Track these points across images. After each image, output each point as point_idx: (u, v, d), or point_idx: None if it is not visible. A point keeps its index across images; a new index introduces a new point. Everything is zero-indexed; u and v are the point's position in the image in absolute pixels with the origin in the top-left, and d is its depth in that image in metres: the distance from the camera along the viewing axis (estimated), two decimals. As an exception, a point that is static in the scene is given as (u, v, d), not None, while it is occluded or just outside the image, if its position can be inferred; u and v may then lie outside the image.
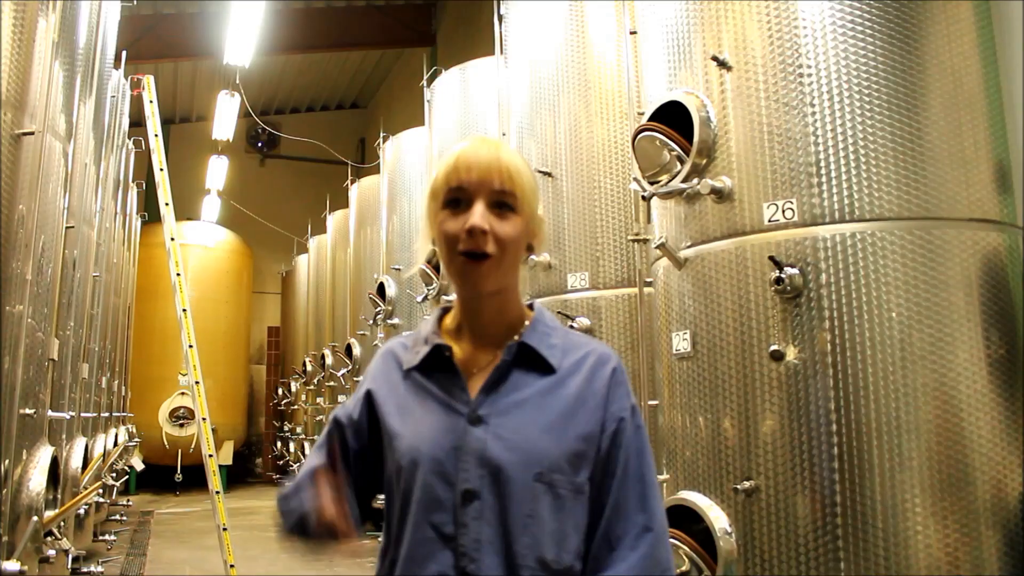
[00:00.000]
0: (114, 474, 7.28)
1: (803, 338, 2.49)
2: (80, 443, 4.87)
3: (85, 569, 4.75)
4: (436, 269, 5.80)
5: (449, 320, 1.46)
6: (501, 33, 5.03)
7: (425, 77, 6.99)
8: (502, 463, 1.28)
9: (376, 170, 8.46)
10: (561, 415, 1.33)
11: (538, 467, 1.29)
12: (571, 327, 3.86)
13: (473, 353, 1.39)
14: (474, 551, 1.27)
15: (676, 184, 2.82)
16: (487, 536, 1.27)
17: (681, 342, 2.81)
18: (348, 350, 8.91)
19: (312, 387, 11.38)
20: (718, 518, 2.59)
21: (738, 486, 2.54)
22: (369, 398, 1.43)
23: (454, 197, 1.33)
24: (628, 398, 1.40)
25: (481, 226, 1.28)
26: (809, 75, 2.59)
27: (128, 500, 8.80)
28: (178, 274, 6.22)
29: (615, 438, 1.34)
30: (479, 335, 1.39)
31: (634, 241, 3.67)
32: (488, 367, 1.37)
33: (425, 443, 1.32)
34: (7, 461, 2.64)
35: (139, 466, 10.98)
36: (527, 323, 1.42)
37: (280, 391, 14.63)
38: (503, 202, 1.32)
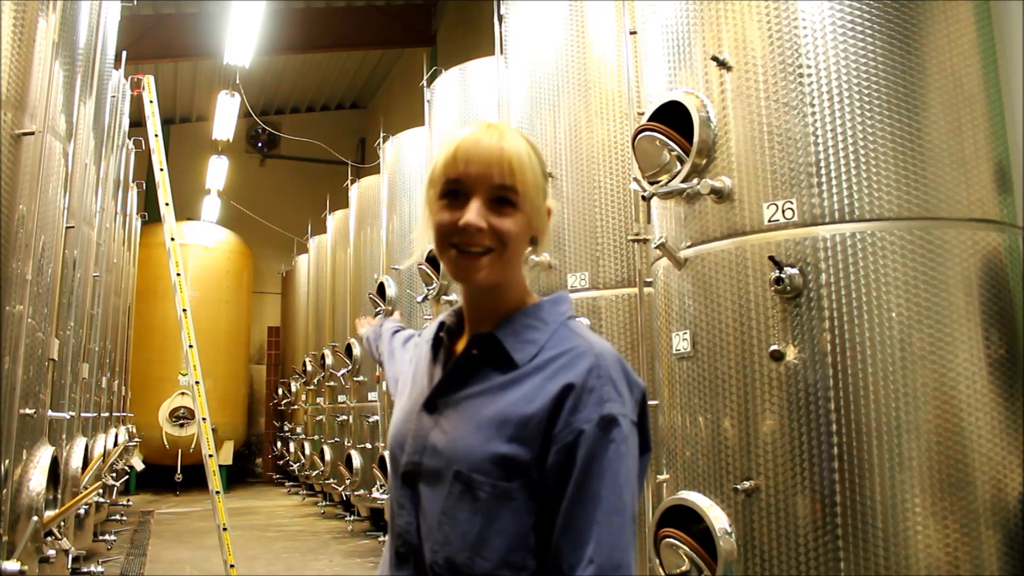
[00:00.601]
0: (114, 474, 7.28)
1: (803, 338, 2.49)
2: (80, 443, 4.87)
3: (85, 569, 4.76)
4: (436, 268, 5.79)
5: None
6: (501, 33, 5.03)
7: (425, 77, 6.99)
8: (432, 455, 1.26)
9: (376, 170, 8.46)
10: (499, 414, 1.22)
11: (457, 464, 1.22)
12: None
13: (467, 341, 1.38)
14: (406, 534, 1.28)
15: (676, 184, 2.82)
16: (413, 524, 1.27)
17: (681, 342, 2.81)
18: (348, 350, 8.91)
19: (312, 387, 11.38)
20: (718, 518, 2.59)
21: (738, 486, 2.54)
22: (405, 351, 1.77)
23: (451, 189, 1.26)
24: (600, 407, 1.19)
25: (476, 224, 1.22)
26: (809, 75, 2.59)
27: (128, 500, 8.80)
28: (178, 274, 6.22)
29: (569, 451, 1.16)
30: (475, 324, 1.35)
31: (634, 241, 3.67)
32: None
33: (398, 417, 1.39)
34: (7, 461, 2.64)
35: (139, 466, 10.98)
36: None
37: (280, 391, 14.63)
38: (504, 197, 1.25)
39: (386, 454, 1.55)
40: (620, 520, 1.16)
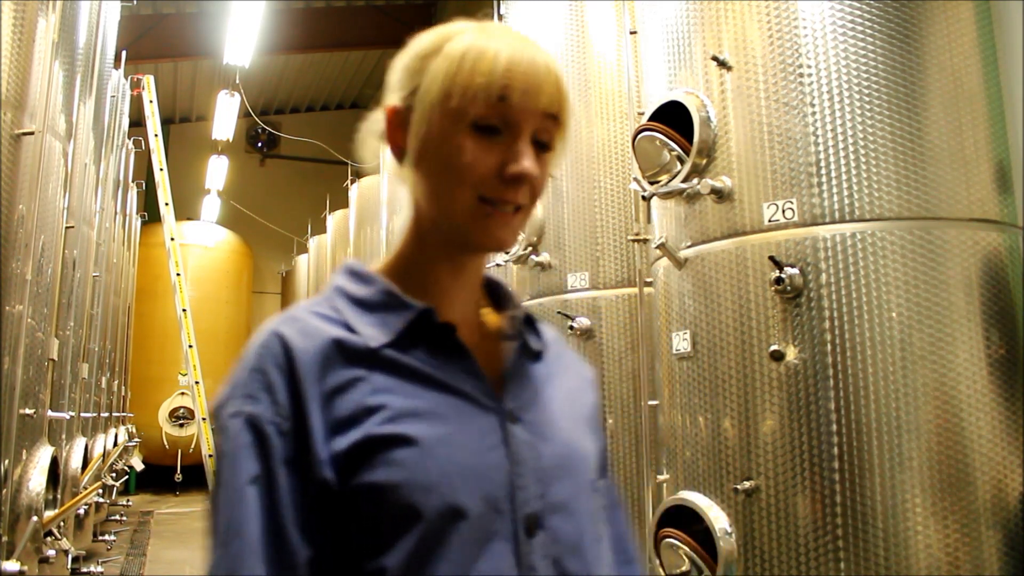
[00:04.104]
0: (114, 474, 7.28)
1: (803, 338, 2.49)
2: (80, 443, 4.87)
3: (85, 569, 4.76)
4: None
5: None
6: (501, 33, 5.03)
7: (425, 77, 6.98)
8: (559, 470, 0.96)
9: (376, 170, 8.46)
10: (576, 404, 1.05)
11: (589, 471, 1.01)
12: (571, 327, 3.86)
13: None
14: None
15: (676, 184, 2.82)
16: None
17: (681, 342, 2.81)
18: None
19: (312, 387, 11.36)
20: (718, 518, 2.59)
21: (738, 486, 2.54)
22: (282, 433, 0.86)
23: (492, 120, 0.91)
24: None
25: (534, 174, 0.92)
26: (809, 75, 2.59)
27: (128, 500, 8.81)
28: (178, 274, 6.23)
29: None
30: (457, 304, 1.00)
31: (634, 241, 3.67)
32: (478, 343, 1.00)
33: (468, 459, 0.89)
34: (7, 461, 2.64)
35: (139, 466, 10.98)
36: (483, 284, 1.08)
37: (280, 391, 14.60)
38: (547, 136, 0.95)
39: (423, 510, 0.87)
40: None
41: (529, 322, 1.06)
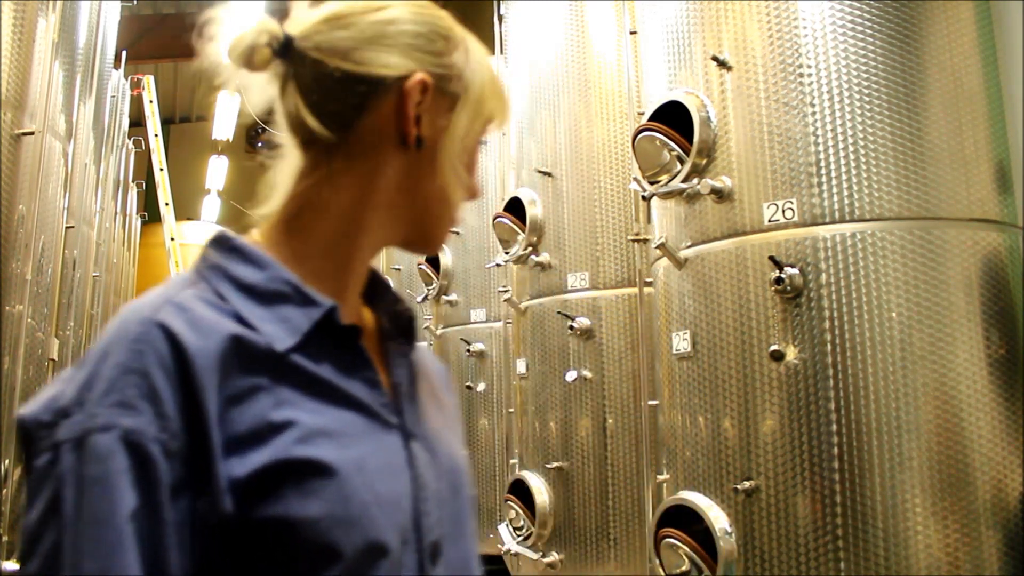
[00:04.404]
0: (114, 474, 7.28)
1: (803, 338, 2.49)
2: (80, 443, 4.87)
3: None
4: (436, 268, 5.77)
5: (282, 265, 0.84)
6: (501, 33, 5.03)
7: (425, 77, 6.97)
8: (446, 491, 0.86)
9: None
10: (449, 410, 0.96)
11: (468, 486, 0.91)
12: (571, 327, 3.86)
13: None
14: None
15: (676, 184, 2.81)
16: None
17: (681, 342, 2.81)
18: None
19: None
20: (718, 518, 2.59)
21: (738, 486, 2.54)
22: (168, 453, 0.69)
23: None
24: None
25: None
26: (809, 75, 2.59)
27: (128, 500, 8.79)
28: (178, 274, 6.24)
29: None
30: (351, 294, 0.89)
31: (634, 241, 3.67)
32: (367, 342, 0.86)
33: (382, 487, 0.78)
34: (7, 461, 2.64)
35: (139, 466, 10.97)
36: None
37: (280, 391, 14.61)
38: None
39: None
40: None
41: (411, 319, 0.93)
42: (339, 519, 0.72)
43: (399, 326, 0.92)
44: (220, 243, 0.85)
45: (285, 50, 0.85)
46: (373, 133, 0.84)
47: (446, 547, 0.82)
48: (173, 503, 0.68)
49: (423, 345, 1.04)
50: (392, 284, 1.04)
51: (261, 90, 0.87)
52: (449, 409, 0.96)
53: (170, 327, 0.72)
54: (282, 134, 0.87)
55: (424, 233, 0.89)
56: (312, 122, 0.83)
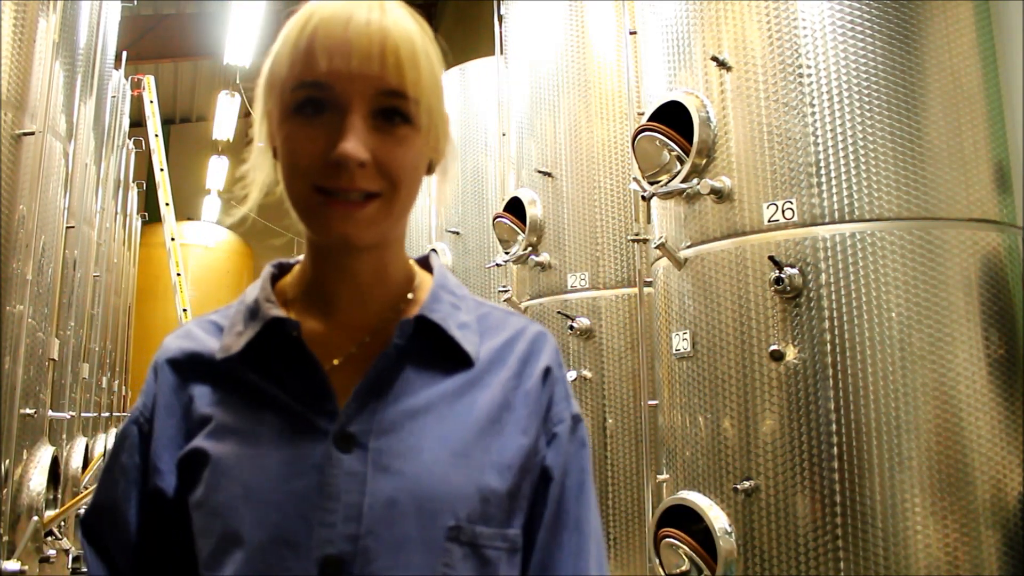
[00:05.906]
0: (114, 474, 7.27)
1: (803, 338, 2.50)
2: (80, 443, 4.87)
3: (85, 569, 4.76)
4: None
5: (290, 285, 0.94)
6: (501, 33, 5.03)
7: (425, 77, 6.96)
8: (386, 517, 0.80)
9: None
10: (481, 431, 0.85)
11: (452, 516, 0.81)
12: (571, 327, 3.86)
13: (330, 335, 0.89)
14: None
15: (676, 184, 2.82)
16: None
17: (681, 342, 2.81)
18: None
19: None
20: (718, 518, 2.59)
21: (738, 486, 2.54)
22: (141, 432, 0.91)
23: (309, 97, 0.81)
24: (569, 402, 0.92)
25: (358, 157, 0.79)
26: (809, 75, 2.60)
27: (128, 500, 8.78)
28: (178, 274, 6.24)
29: (546, 462, 0.89)
30: (343, 308, 0.89)
31: (634, 241, 3.67)
32: (361, 357, 0.87)
33: (262, 484, 0.81)
34: (7, 461, 2.65)
35: (139, 466, 10.96)
36: (418, 288, 0.93)
37: (280, 391, 14.59)
38: (392, 108, 0.82)
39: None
40: (597, 546, 0.91)
41: (428, 328, 0.88)
42: (210, 505, 0.83)
43: (402, 335, 0.87)
44: (273, 265, 0.99)
45: None
46: None
47: (367, 569, 0.78)
48: (130, 458, 0.92)
49: (521, 361, 0.91)
50: (443, 271, 0.97)
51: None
52: (493, 433, 0.86)
53: (166, 340, 0.95)
54: None
55: (309, 231, 0.87)
56: None
